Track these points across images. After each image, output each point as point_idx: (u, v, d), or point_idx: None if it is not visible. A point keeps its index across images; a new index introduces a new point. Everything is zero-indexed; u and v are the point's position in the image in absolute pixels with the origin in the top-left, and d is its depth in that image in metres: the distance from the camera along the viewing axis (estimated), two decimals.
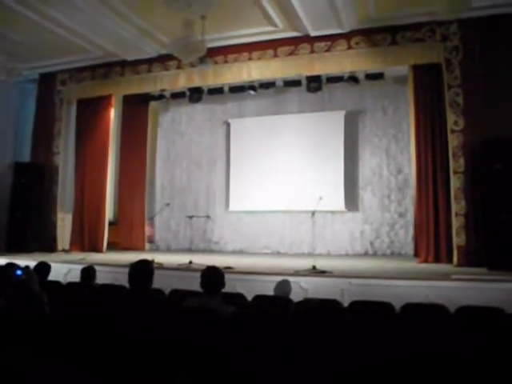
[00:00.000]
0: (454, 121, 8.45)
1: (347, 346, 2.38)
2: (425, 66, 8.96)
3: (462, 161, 8.36)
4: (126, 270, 4.05)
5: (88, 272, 5.91)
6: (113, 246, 11.87)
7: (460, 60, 8.48)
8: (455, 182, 8.38)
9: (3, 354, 2.31)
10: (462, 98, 8.42)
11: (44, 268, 5.72)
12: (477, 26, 8.41)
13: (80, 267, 6.17)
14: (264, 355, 2.29)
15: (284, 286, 5.17)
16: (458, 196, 8.33)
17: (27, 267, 4.99)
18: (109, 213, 11.96)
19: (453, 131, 8.46)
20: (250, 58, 9.87)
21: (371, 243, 11.32)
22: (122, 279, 4.81)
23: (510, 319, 3.87)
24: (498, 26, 8.25)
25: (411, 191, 10.39)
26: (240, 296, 4.94)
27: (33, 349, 2.54)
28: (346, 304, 4.69)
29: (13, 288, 3.45)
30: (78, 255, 10.18)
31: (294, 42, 9.55)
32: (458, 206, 8.32)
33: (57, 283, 5.59)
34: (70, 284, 5.84)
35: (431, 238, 8.78)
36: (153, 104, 13.15)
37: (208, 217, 11.94)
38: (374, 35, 9.00)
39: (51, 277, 5.85)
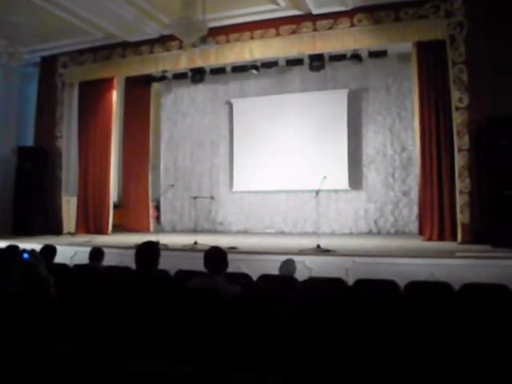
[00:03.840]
0: (458, 98, 8.39)
1: (351, 324, 2.40)
2: (429, 42, 8.86)
3: (466, 138, 8.31)
4: (132, 251, 4.09)
5: (96, 253, 5.98)
6: (118, 228, 11.93)
7: (464, 36, 8.37)
8: (460, 160, 8.34)
9: (11, 337, 2.34)
10: (467, 74, 8.33)
11: (50, 251, 5.76)
12: (482, 1, 8.29)
13: (86, 249, 6.23)
14: (267, 334, 2.31)
15: (289, 266, 5.19)
16: (463, 174, 8.30)
17: (33, 250, 5.02)
18: (113, 195, 12.02)
19: (457, 108, 8.39)
20: (252, 38, 9.78)
21: (375, 222, 11.33)
22: (128, 261, 4.85)
23: None
24: (503, 1, 8.14)
25: (415, 169, 10.37)
26: (245, 276, 4.97)
27: (40, 331, 2.58)
28: (350, 282, 4.72)
29: (20, 271, 3.48)
30: (83, 238, 10.24)
31: (296, 20, 9.44)
32: (462, 184, 8.30)
33: (63, 266, 5.64)
34: (77, 266, 5.90)
35: (435, 216, 8.80)
36: (155, 85, 13.08)
37: (212, 198, 11.99)
38: (377, 12, 8.88)
39: (58, 260, 5.90)
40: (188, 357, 2.32)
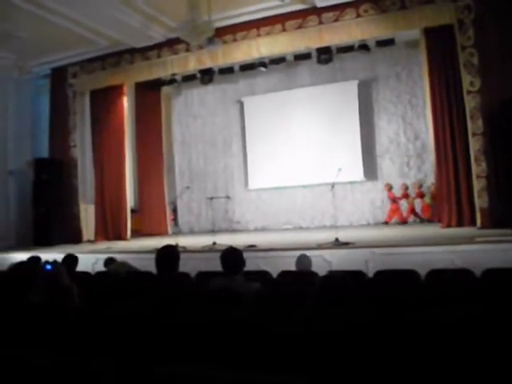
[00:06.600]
0: (469, 82, 8.29)
1: (374, 317, 2.40)
2: (436, 28, 8.74)
3: (480, 122, 8.21)
4: (152, 255, 4.12)
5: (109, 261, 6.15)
6: (136, 233, 12.02)
7: (473, 19, 8.26)
8: (475, 144, 8.25)
9: (37, 349, 2.37)
10: (477, 58, 8.23)
11: (71, 260, 5.82)
12: None
13: (107, 256, 6.30)
14: (288, 332, 2.32)
15: (303, 261, 5.20)
16: (479, 158, 8.20)
17: (55, 261, 5.08)
18: (130, 200, 12.10)
19: (469, 92, 8.30)
20: (259, 35, 9.77)
21: None
22: (149, 265, 4.89)
23: None
24: None
25: (430, 156, 10.28)
26: (265, 273, 4.99)
27: (63, 342, 2.61)
28: (370, 274, 4.71)
29: (43, 282, 3.53)
30: (103, 244, 10.34)
31: (302, 14, 9.41)
32: (478, 168, 8.21)
33: (85, 274, 5.70)
34: (99, 273, 5.96)
35: (453, 202, 8.71)
36: (165, 89, 13.15)
37: (228, 197, 12.02)
38: (383, 1, 8.81)
39: (79, 268, 5.96)
40: (211, 359, 2.34)
